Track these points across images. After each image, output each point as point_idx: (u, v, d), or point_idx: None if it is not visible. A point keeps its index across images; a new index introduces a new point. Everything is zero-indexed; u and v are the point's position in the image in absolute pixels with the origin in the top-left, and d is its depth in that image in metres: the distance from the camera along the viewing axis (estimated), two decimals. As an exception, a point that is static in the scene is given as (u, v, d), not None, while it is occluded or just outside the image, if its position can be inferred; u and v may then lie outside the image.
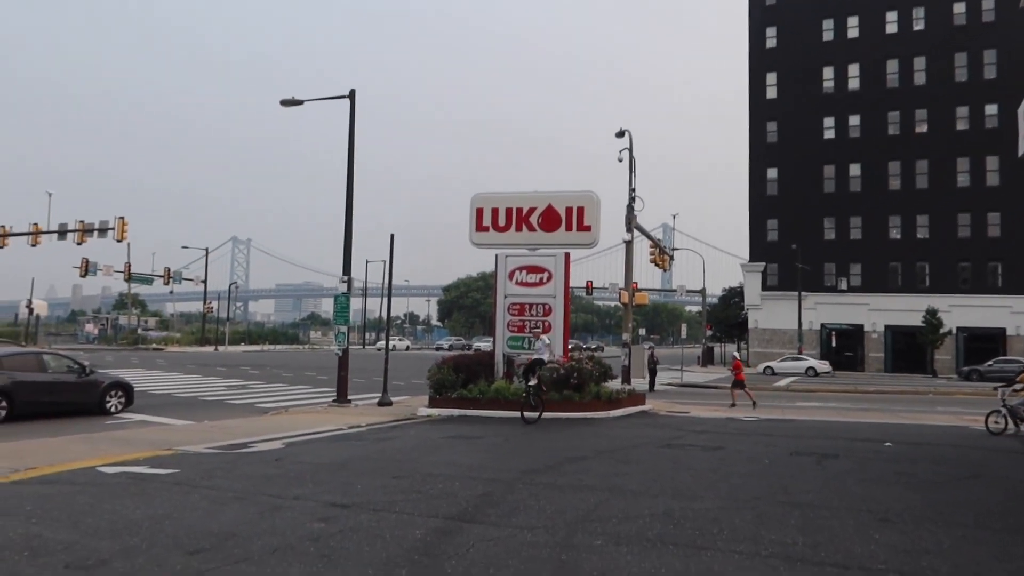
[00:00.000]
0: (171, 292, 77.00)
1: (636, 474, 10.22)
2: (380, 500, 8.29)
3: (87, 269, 52.05)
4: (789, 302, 52.32)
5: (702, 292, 60.92)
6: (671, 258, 36.13)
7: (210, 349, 63.09)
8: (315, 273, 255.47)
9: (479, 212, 21.78)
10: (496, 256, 21.44)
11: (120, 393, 19.26)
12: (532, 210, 21.39)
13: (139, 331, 69.07)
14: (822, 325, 53.74)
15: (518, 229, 21.41)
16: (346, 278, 22.33)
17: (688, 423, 17.49)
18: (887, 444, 13.86)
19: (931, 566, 6.05)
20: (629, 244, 25.53)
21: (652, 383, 30.39)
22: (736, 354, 30.19)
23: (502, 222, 21.59)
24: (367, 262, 75.74)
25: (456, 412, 18.70)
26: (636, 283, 53.88)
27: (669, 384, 34.83)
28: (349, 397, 22.20)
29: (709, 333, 61.41)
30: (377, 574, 5.62)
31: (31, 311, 52.02)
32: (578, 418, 17.86)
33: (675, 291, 67.53)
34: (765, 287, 55.49)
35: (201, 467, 10.54)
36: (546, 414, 18.02)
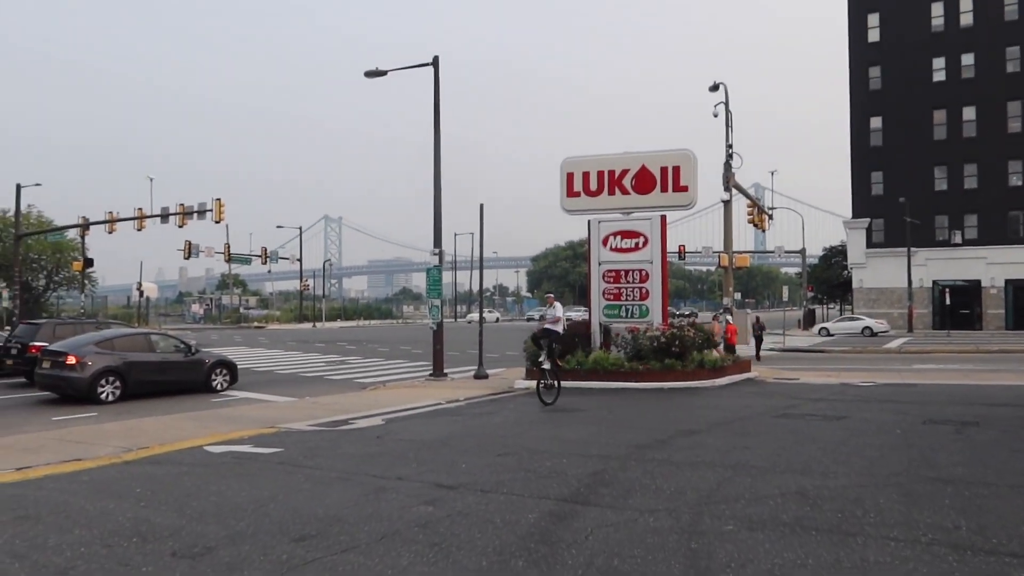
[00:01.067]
0: (269, 272, 79.58)
1: (756, 448, 9.50)
2: (487, 480, 7.90)
3: (190, 251, 54.10)
4: (896, 259, 49.46)
5: (802, 252, 58.27)
6: (770, 217, 34.47)
7: (308, 326, 64.89)
8: (405, 248, 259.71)
9: (569, 177, 21.10)
10: (589, 222, 20.76)
11: (224, 371, 19.67)
12: (625, 172, 20.57)
13: (241, 310, 71.69)
14: (934, 282, 50.59)
15: (611, 193, 20.65)
16: (438, 250, 22.10)
17: (801, 390, 16.51)
18: (1030, 409, 12.61)
19: None
20: (727, 204, 24.32)
21: (758, 350, 28.39)
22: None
23: (594, 186, 20.86)
24: (455, 235, 75.94)
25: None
26: (683, 246, 52.25)
27: (771, 349, 33.43)
28: (445, 371, 22.10)
29: (810, 295, 58.87)
30: (492, 565, 5.20)
31: (141, 294, 54.63)
32: (681, 388, 17.15)
33: (772, 252, 64.92)
34: (870, 244, 52.59)
35: (304, 445, 10.44)
36: (648, 384, 17.39)
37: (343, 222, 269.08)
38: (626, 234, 20.28)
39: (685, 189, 19.98)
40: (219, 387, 19.26)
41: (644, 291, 19.82)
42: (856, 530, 5.81)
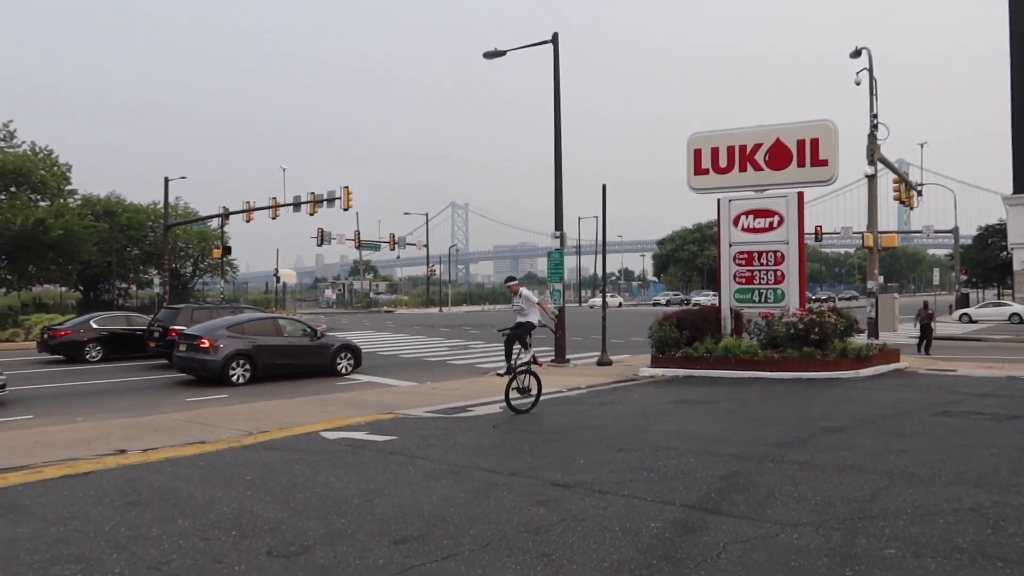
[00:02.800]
0: (397, 257, 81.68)
1: (916, 451, 8.32)
2: (606, 479, 7.23)
3: (323, 238, 56.02)
4: (1068, 238, 44.52)
5: (954, 231, 53.44)
6: (919, 194, 31.61)
7: (435, 310, 66.07)
8: (530, 233, 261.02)
9: (697, 154, 19.93)
10: (718, 201, 19.54)
11: (349, 355, 19.91)
12: (757, 147, 19.19)
13: (371, 295, 73.93)
14: (1115, 264, 45.25)
15: (742, 169, 19.33)
16: (558, 233, 21.49)
17: (960, 384, 14.78)
18: None
19: None
20: (872, 179, 22.28)
21: (926, 344, 24.05)
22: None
23: (723, 163, 19.60)
24: (579, 219, 75.14)
25: (681, 372, 17.29)
26: (820, 227, 48.84)
27: (915, 337, 30.77)
28: (567, 356, 21.53)
29: (963, 278, 54.08)
30: (610, 585, 4.55)
31: (278, 280, 57.21)
32: (821, 378, 15.77)
33: (919, 232, 59.89)
34: (1035, 222, 47.60)
35: (418, 434, 10.11)
36: (783, 373, 16.13)
37: (469, 208, 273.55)
38: (759, 213, 18.94)
39: (825, 163, 18.41)
40: (343, 371, 19.50)
41: (779, 274, 18.46)
42: (1058, 563, 4.75)
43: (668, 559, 4.95)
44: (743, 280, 18.94)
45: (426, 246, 65.94)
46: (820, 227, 56.43)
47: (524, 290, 12.15)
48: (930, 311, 25.00)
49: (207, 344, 17.70)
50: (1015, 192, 49.28)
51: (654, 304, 69.14)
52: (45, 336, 24.02)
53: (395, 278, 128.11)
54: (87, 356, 22.97)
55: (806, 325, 16.88)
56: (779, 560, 4.88)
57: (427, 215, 72.43)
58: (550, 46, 21.20)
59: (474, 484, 7.21)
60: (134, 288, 54.79)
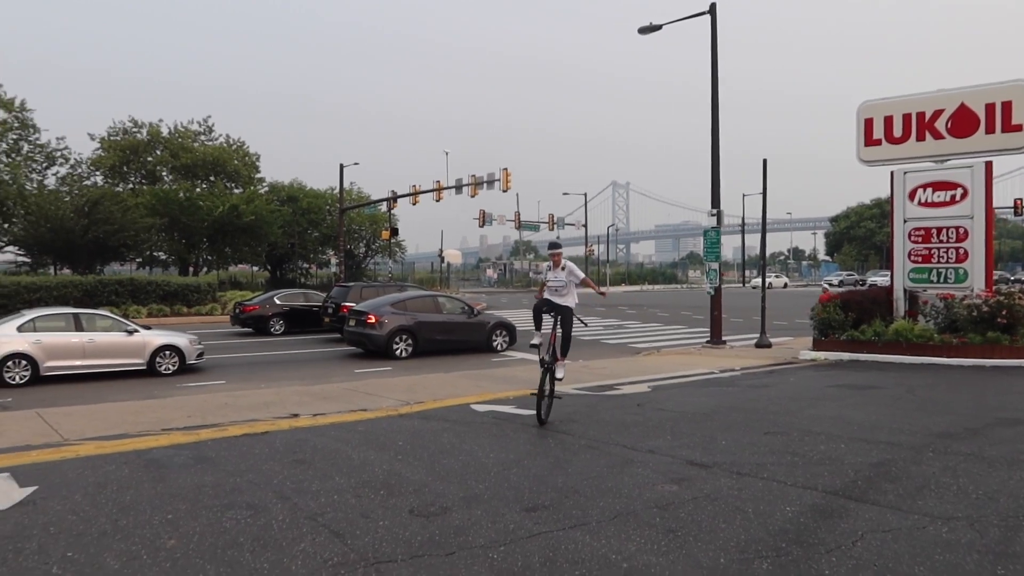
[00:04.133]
0: (557, 238, 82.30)
1: (1106, 448, 7.50)
2: (746, 461, 7.09)
3: (484, 219, 57.51)
4: None
5: None
6: None
7: (591, 290, 65.99)
8: (693, 212, 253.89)
9: (868, 123, 18.64)
10: (892, 173, 18.20)
11: (504, 332, 20.49)
12: (938, 113, 17.66)
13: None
14: None
15: (919, 138, 17.88)
16: (715, 211, 20.90)
17: None
18: None
19: None
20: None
21: None
22: (826, 286, 19.98)
23: (898, 132, 18.21)
24: (743, 196, 72.35)
25: (845, 356, 16.41)
26: (1019, 200, 43.46)
27: None
28: (724, 338, 20.98)
29: None
30: (730, 564, 4.52)
31: (443, 260, 59.49)
32: (1007, 366, 14.42)
33: None
34: None
35: (563, 409, 10.29)
36: (963, 360, 14.90)
37: (630, 187, 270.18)
38: (939, 185, 17.49)
39: (1019, 128, 16.65)
40: (499, 347, 20.11)
41: (961, 252, 16.98)
42: None
43: (799, 543, 4.83)
44: (919, 259, 17.60)
45: (584, 226, 66.10)
46: (1020, 200, 50.92)
47: (570, 263, 9.38)
48: None
49: (373, 320, 18.84)
50: None
51: (825, 285, 65.38)
52: (237, 311, 26.48)
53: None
54: (271, 329, 25.09)
55: (992, 308, 15.45)
56: (922, 553, 4.63)
57: (585, 195, 72.40)
58: (707, 17, 20.53)
59: (610, 460, 7.30)
60: (314, 267, 58.90)
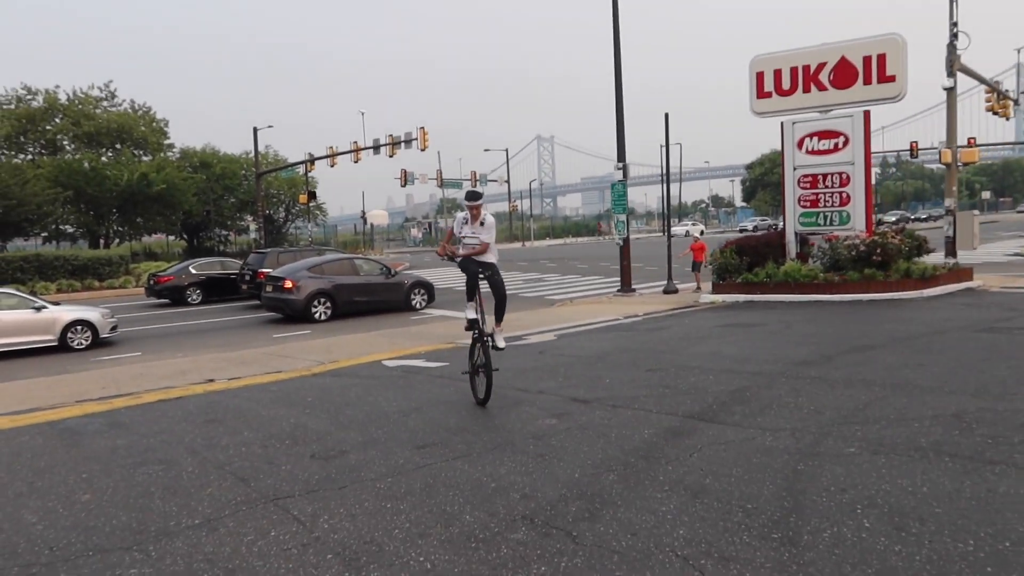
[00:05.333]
0: (474, 186, 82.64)
1: (932, 366, 8.60)
2: (623, 395, 7.89)
3: (406, 179, 57.33)
4: None
5: (1065, 141, 49.85)
6: (1016, 103, 29.80)
7: (517, 245, 66.97)
8: (667, 164, 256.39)
9: (759, 76, 19.63)
10: (781, 124, 19.30)
11: (422, 291, 20.99)
12: (821, 66, 18.75)
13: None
14: None
15: (806, 90, 18.97)
16: (621, 165, 21.71)
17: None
18: None
19: None
20: (951, 92, 21.29)
21: None
22: (698, 236, 23.04)
23: (786, 84, 19.26)
24: (661, 146, 73.85)
25: (741, 298, 17.55)
26: (974, 138, 46.10)
27: (1016, 254, 29.51)
28: (634, 286, 21.99)
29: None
30: (583, 477, 5.27)
31: (365, 221, 59.27)
32: (882, 299, 15.76)
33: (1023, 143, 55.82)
34: None
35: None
36: (843, 296, 16.19)
37: (555, 141, 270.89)
38: (823, 134, 18.65)
39: (892, 79, 17.86)
40: (418, 306, 20.62)
41: (844, 196, 18.25)
42: (1001, 459, 5.15)
43: (646, 458, 5.63)
44: (807, 203, 18.82)
45: (507, 181, 66.65)
46: (916, 143, 53.79)
47: (490, 216, 8.08)
48: None
49: (291, 285, 19.08)
50: None
51: (740, 231, 67.78)
52: (151, 282, 26.18)
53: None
54: (188, 299, 24.97)
55: (868, 247, 16.77)
56: (743, 458, 5.48)
57: (507, 150, 72.92)
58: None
59: (504, 401, 8.01)
60: (233, 235, 57.85)
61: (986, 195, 68.53)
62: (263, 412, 8.15)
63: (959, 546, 3.84)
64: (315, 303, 19.02)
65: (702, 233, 57.63)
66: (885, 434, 5.89)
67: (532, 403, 7.83)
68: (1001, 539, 3.89)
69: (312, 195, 45.37)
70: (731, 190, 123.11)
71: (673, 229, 58.88)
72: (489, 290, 8.27)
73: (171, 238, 57.28)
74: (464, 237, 8.09)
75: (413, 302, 20.61)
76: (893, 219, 71.17)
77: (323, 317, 19.02)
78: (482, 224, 8.00)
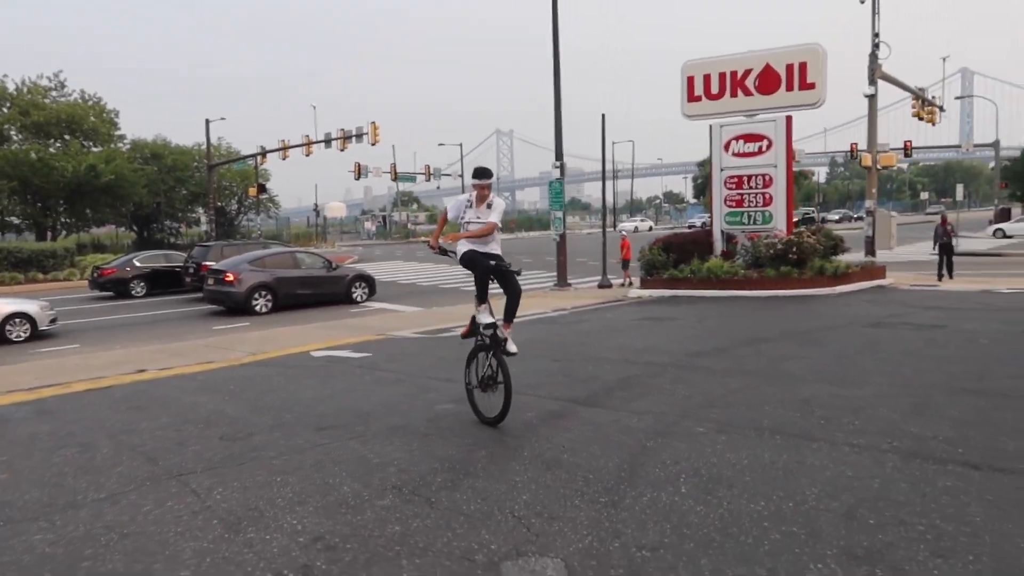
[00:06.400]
0: (437, 188, 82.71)
1: (810, 357, 9.42)
2: (521, 383, 8.46)
3: (360, 172, 57.39)
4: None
5: (995, 144, 52.12)
6: (942, 110, 31.21)
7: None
8: (575, 158, 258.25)
9: (690, 81, 20.50)
10: (710, 127, 20.19)
11: (363, 284, 21.49)
12: (748, 72, 19.66)
13: (409, 226, 75.67)
14: None
15: (733, 95, 19.88)
16: (558, 163, 22.42)
17: (925, 298, 15.57)
18: None
19: (1101, 469, 4.97)
20: (872, 99, 22.41)
21: (947, 264, 20.48)
22: (624, 233, 24.91)
23: (715, 89, 20.14)
24: (613, 143, 75.05)
25: (667, 293, 18.38)
26: (910, 142, 47.80)
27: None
28: (570, 280, 22.77)
29: (1005, 192, 52.80)
30: (458, 454, 5.89)
31: (318, 214, 59.21)
32: (796, 296, 16.71)
33: (958, 147, 58.38)
34: (1080, 132, 46.13)
35: (393, 351, 11.55)
36: (761, 292, 17.10)
37: (514, 135, 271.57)
38: (748, 137, 19.57)
39: (812, 87, 18.85)
40: (359, 299, 21.11)
41: (767, 196, 19.19)
42: (823, 437, 5.91)
43: (519, 437, 6.27)
44: (733, 203, 19.72)
45: (461, 176, 66.91)
46: (855, 144, 55.47)
47: (499, 199, 7.00)
48: (949, 228, 21.06)
49: (232, 278, 19.42)
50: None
51: (689, 227, 69.17)
52: (95, 275, 26.21)
53: (438, 208, 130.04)
54: (132, 292, 25.07)
55: (785, 245, 17.71)
56: (603, 437, 6.16)
57: (461, 145, 73.28)
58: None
59: (412, 389, 8.60)
60: (184, 227, 57.38)
61: (924, 196, 70.94)
62: (185, 399, 8.61)
63: (751, 506, 4.54)
64: (256, 296, 19.39)
65: (636, 230, 59.00)
66: (737, 416, 6.62)
67: (438, 390, 8.44)
68: (787, 500, 4.60)
69: (262, 188, 45.39)
70: (684, 187, 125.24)
71: (623, 225, 59.82)
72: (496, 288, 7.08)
73: (121, 230, 56.58)
74: (468, 223, 6.91)
75: (354, 295, 21.09)
76: (836, 217, 73.57)
77: (264, 310, 19.39)
78: (489, 207, 6.83)
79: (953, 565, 3.69)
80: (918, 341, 10.34)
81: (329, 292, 20.75)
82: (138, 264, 25.82)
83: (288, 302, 19.88)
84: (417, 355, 11.16)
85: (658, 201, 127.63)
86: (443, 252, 7.08)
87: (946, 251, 20.84)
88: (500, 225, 7.01)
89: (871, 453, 5.45)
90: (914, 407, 6.71)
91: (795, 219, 56.37)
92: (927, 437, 5.80)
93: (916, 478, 4.92)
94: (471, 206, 6.87)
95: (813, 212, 67.91)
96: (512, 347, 6.99)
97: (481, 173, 6.91)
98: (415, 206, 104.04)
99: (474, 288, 7.24)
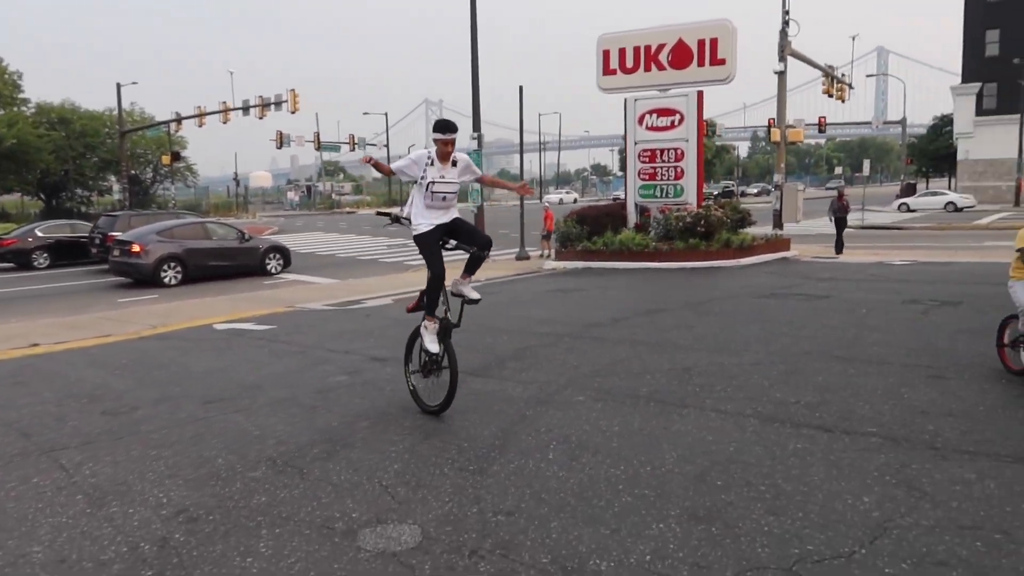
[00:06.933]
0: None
1: (700, 327, 9.78)
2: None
3: (282, 141, 56.02)
4: (1008, 127, 45.56)
5: (902, 122, 54.34)
6: (850, 87, 32.33)
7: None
8: (505, 129, 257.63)
9: (606, 54, 20.65)
10: (625, 100, 20.42)
11: (278, 256, 21.12)
12: (661, 47, 19.92)
13: (333, 196, 74.41)
14: (1051, 152, 46.47)
15: (647, 69, 20.13)
16: (476, 135, 22.42)
17: (821, 269, 16.26)
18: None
19: (936, 431, 5.36)
20: (781, 75, 23.08)
21: (837, 241, 20.31)
22: (547, 205, 25.89)
23: (630, 63, 20.36)
24: (540, 115, 75.26)
25: (581, 265, 18.66)
26: (824, 118, 49.32)
27: (847, 227, 32.14)
28: (489, 253, 22.84)
29: (911, 168, 55.22)
30: (341, 425, 5.94)
31: (238, 183, 57.63)
32: (702, 267, 17.19)
33: (868, 123, 60.77)
34: (980, 112, 48.55)
35: (296, 323, 11.46)
36: (670, 263, 17.54)
37: (443, 105, 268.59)
38: (662, 112, 19.88)
39: (723, 62, 19.23)
40: (273, 271, 20.75)
41: (679, 170, 19.58)
42: (695, 403, 6.19)
43: (403, 408, 6.36)
44: (647, 176, 20.06)
45: (386, 145, 66.15)
46: (772, 119, 56.98)
47: (465, 156, 6.19)
48: (845, 202, 21.03)
49: (138, 249, 18.81)
50: (964, 82, 49.95)
51: (613, 199, 70.16)
52: (-7, 245, 24.96)
53: (366, 178, 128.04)
54: (35, 263, 24.02)
55: (693, 218, 18.17)
56: (486, 406, 6.31)
57: (386, 114, 72.14)
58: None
59: (308, 360, 8.58)
60: (95, 196, 55.12)
61: (839, 170, 73.62)
62: (72, 374, 8.39)
63: (611, 471, 4.75)
64: (164, 268, 18.85)
65: (561, 202, 59.57)
66: (618, 385, 6.86)
67: (334, 362, 8.44)
68: (646, 465, 4.83)
69: (176, 156, 43.85)
70: (611, 159, 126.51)
71: (548, 197, 60.16)
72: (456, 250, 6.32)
73: (27, 198, 54.00)
74: (434, 184, 5.87)
75: (268, 267, 20.72)
76: (756, 190, 75.70)
77: (173, 282, 18.88)
78: (455, 165, 6.00)
79: (783, 522, 3.96)
80: (804, 311, 10.83)
81: (242, 264, 20.33)
82: (41, 234, 24.72)
83: (199, 274, 19.40)
84: (320, 327, 11.10)
85: (586, 173, 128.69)
86: (395, 220, 6.18)
87: (840, 224, 20.67)
88: (479, 175, 6.51)
89: (735, 418, 5.75)
90: (784, 374, 7.07)
91: (716, 192, 57.95)
92: (789, 402, 6.14)
93: (770, 442, 5.22)
94: (432, 164, 5.89)
95: (733, 186, 69.67)
96: (474, 293, 6.55)
97: (445, 126, 5.95)
98: (341, 176, 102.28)
99: (424, 266, 6.29)
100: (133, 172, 50.25)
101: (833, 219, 20.90)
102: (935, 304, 10.91)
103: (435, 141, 5.92)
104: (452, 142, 5.94)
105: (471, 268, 6.47)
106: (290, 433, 5.78)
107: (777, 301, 11.85)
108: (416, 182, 5.96)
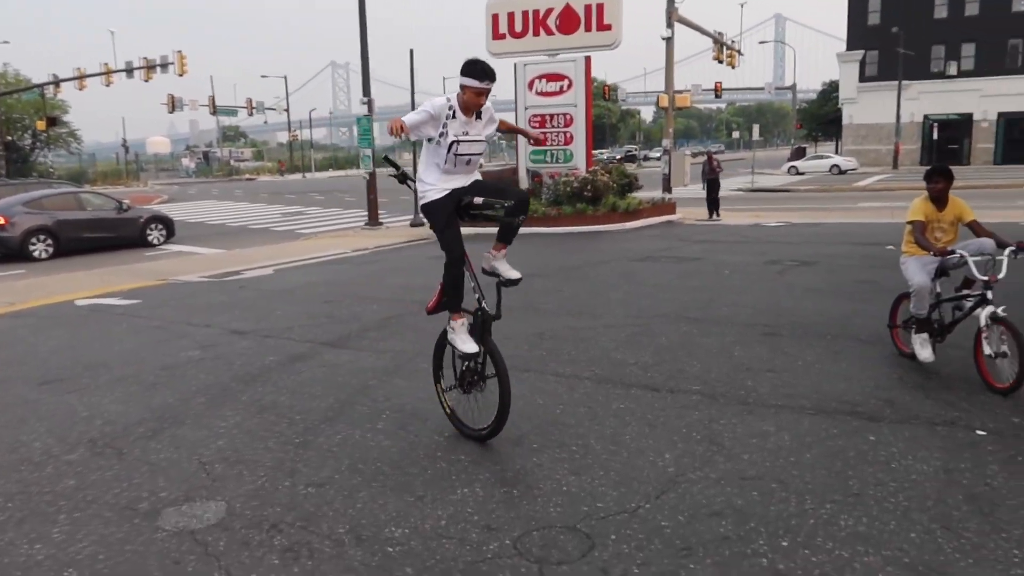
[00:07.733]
0: (265, 123, 78.89)
1: (569, 291, 9.99)
2: (279, 327, 8.49)
3: (174, 105, 53.47)
4: (888, 93, 47.81)
5: (792, 88, 56.36)
6: (740, 54, 33.23)
7: (298, 177, 65.19)
8: (419, 94, 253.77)
9: (495, 18, 20.55)
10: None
11: (160, 226, 20.30)
12: (549, 11, 19.96)
13: (231, 162, 71.83)
14: (925, 116, 49.12)
15: (535, 34, 20.15)
16: (366, 99, 22.04)
17: (699, 232, 16.81)
18: (889, 247, 12.84)
19: (753, 386, 5.67)
20: (669, 41, 23.50)
21: (713, 201, 20.27)
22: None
23: (519, 27, 20.32)
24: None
25: (472, 231, 18.59)
26: (720, 83, 50.48)
27: (738, 190, 33.29)
28: (387, 220, 22.62)
29: (802, 132, 57.43)
30: (176, 402, 5.81)
31: (127, 150, 54.85)
32: (589, 232, 17.50)
33: (761, 89, 62.98)
34: (863, 78, 50.72)
35: (167, 296, 11.10)
36: (559, 228, 17.76)
37: (351, 68, 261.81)
38: (551, 77, 19.98)
39: (609, 28, 19.44)
40: (155, 241, 19.95)
41: (568, 135, 19.79)
42: (538, 368, 6.36)
43: (246, 381, 6.28)
44: (536, 142, 20.14)
45: (286, 110, 64.14)
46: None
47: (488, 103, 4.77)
48: (716, 165, 20.74)
49: (3, 221, 17.74)
50: (848, 49, 51.99)
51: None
52: None
53: (270, 144, 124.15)
54: None
55: (581, 183, 18.43)
56: (332, 377, 6.30)
57: (285, 77, 69.82)
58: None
59: (165, 335, 8.34)
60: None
61: (736, 135, 75.73)
62: (-98, 357, 7.90)
63: (434, 439, 4.85)
64: (33, 240, 17.87)
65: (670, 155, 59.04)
66: (468, 352, 6.94)
67: (192, 336, 8.23)
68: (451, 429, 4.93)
69: (53, 120, 41.33)
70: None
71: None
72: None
73: None
74: (458, 143, 4.61)
75: (150, 238, 19.91)
76: (658, 155, 77.15)
77: (44, 255, 17.94)
78: (479, 118, 4.71)
79: (583, 481, 4.14)
80: (672, 273, 11.19)
81: (121, 235, 19.45)
82: None
83: (72, 247, 18.46)
84: (189, 300, 10.78)
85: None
86: (403, 180, 4.99)
87: (712, 187, 20.52)
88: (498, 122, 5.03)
89: (570, 381, 5.93)
90: (631, 336, 7.32)
91: (619, 156, 58.66)
92: (628, 364, 6.37)
93: (597, 402, 5.42)
94: (453, 116, 4.55)
95: (636, 150, 70.75)
96: (513, 272, 5.31)
97: (484, 72, 4.48)
98: (242, 141, 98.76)
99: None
100: (9, 138, 47.10)
101: (704, 183, 21.01)
102: (793, 264, 11.46)
103: (464, 88, 4.50)
104: (487, 93, 4.56)
105: (505, 236, 5.22)
106: (121, 412, 5.63)
107: (650, 264, 12.20)
108: (431, 139, 4.58)
